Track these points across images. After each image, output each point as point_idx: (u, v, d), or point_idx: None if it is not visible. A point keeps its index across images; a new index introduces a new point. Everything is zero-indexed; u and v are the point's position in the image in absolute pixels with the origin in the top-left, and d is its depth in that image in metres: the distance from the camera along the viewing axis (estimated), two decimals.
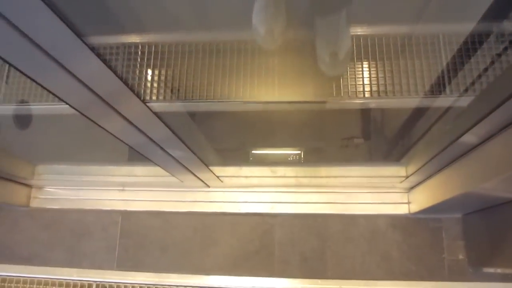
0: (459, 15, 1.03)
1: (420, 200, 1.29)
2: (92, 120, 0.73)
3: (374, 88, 1.10)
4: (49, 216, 1.54)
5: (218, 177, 1.33)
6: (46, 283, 1.47)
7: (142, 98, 0.74)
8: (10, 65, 0.52)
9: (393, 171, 1.34)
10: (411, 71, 1.08)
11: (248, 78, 1.14)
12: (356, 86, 1.11)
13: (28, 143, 1.60)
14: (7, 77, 1.29)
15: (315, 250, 1.38)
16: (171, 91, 1.18)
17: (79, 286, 1.45)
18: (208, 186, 1.44)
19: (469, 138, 0.85)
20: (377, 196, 1.39)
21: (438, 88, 1.07)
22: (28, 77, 0.53)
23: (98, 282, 1.44)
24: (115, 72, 0.57)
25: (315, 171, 1.41)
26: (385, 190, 1.39)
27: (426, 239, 1.34)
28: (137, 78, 1.20)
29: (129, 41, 1.17)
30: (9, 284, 1.48)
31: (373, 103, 1.14)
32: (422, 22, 1.08)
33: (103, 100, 0.66)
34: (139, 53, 1.23)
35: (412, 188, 1.36)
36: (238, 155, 1.53)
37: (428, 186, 1.21)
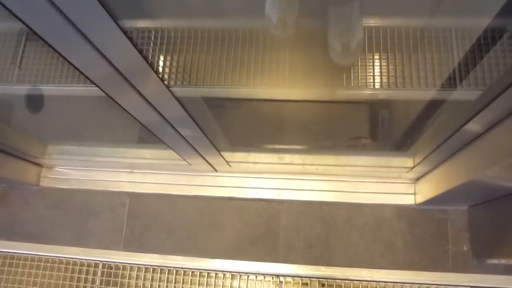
0: (474, 10, 1.04)
1: (426, 190, 1.29)
2: (110, 97, 0.75)
3: (384, 80, 1.11)
4: (58, 196, 1.56)
5: (227, 161, 1.34)
6: (53, 261, 1.49)
7: (162, 80, 0.76)
8: (44, 41, 0.53)
9: (400, 162, 1.35)
10: (422, 64, 1.09)
11: (259, 65, 1.15)
12: (366, 77, 1.12)
13: (40, 123, 1.62)
14: (20, 62, 1.31)
15: (320, 237, 1.39)
16: (186, 76, 1.20)
17: (85, 265, 1.47)
18: (216, 171, 1.46)
19: (474, 126, 0.86)
20: (383, 186, 1.40)
21: (448, 82, 1.08)
22: (59, 53, 0.55)
23: (105, 262, 1.46)
24: (140, 52, 0.59)
25: (322, 159, 1.42)
26: (391, 180, 1.40)
27: (431, 230, 1.35)
28: (159, 61, 1.22)
29: (152, 26, 1.19)
30: (17, 261, 1.51)
31: (382, 94, 1.15)
32: (435, 16, 1.09)
33: (124, 77, 0.67)
34: (159, 38, 1.25)
35: (418, 179, 1.37)
36: (248, 141, 1.54)
37: (434, 176, 1.21)
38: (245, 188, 1.46)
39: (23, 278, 1.49)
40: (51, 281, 1.48)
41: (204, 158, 1.25)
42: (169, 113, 0.87)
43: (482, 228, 1.26)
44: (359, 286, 1.34)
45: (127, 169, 1.54)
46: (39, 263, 1.49)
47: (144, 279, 1.43)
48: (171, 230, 1.47)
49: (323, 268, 1.37)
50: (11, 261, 1.51)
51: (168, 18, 1.24)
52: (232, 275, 1.40)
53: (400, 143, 1.47)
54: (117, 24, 0.51)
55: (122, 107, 0.78)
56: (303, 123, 1.60)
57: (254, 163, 1.42)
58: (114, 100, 0.74)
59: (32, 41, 1.18)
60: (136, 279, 1.44)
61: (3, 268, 1.51)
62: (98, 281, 1.45)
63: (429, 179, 1.27)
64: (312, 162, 1.41)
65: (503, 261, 1.13)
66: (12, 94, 1.37)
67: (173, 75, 1.21)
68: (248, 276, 1.39)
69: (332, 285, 1.35)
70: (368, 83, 1.13)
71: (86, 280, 1.46)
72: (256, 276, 1.39)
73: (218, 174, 1.48)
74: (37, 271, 1.48)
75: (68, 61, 0.57)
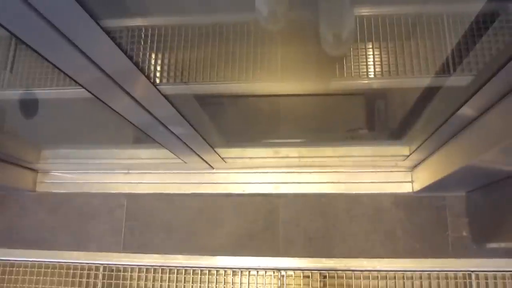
0: None
1: (423, 178, 1.29)
2: (100, 99, 0.74)
3: (378, 69, 1.10)
4: (56, 200, 1.56)
5: (222, 158, 1.34)
6: (54, 267, 1.48)
7: (149, 79, 0.75)
8: (27, 45, 0.52)
9: (396, 150, 1.34)
10: (415, 52, 1.08)
11: (251, 60, 1.14)
12: (359, 67, 1.11)
13: (33, 128, 1.61)
14: (12, 66, 1.30)
15: (319, 230, 1.39)
16: (176, 73, 1.19)
17: (86, 269, 1.47)
18: (212, 168, 1.45)
19: (467, 111, 0.86)
20: (380, 175, 1.40)
21: (441, 68, 1.08)
22: (43, 56, 0.54)
23: (105, 265, 1.46)
24: (125, 52, 0.58)
25: (318, 151, 1.42)
26: (388, 169, 1.40)
27: (429, 217, 1.35)
28: (146, 60, 1.21)
29: (136, 24, 1.17)
30: (17, 269, 1.50)
31: (376, 84, 1.15)
32: (427, 2, 1.07)
33: (112, 79, 0.66)
34: (143, 36, 1.23)
35: (415, 166, 1.37)
36: (242, 136, 1.54)
37: (430, 163, 1.21)
38: (242, 184, 1.46)
39: (24, 285, 1.48)
40: (53, 287, 1.47)
41: (199, 156, 1.25)
42: (159, 112, 0.86)
43: (481, 213, 1.26)
44: (360, 276, 1.34)
45: (123, 170, 1.54)
46: (39, 270, 1.49)
47: (146, 280, 1.43)
48: (170, 229, 1.46)
49: (324, 260, 1.37)
50: (11, 269, 1.50)
51: (154, 15, 1.23)
52: (233, 271, 1.40)
53: (396, 132, 1.47)
54: (99, 25, 0.50)
55: (110, 107, 0.77)
56: (297, 116, 1.59)
57: (250, 158, 1.42)
58: (101, 100, 0.74)
59: (23, 44, 1.17)
60: (138, 280, 1.43)
61: (3, 276, 1.50)
62: (99, 284, 1.45)
63: (426, 166, 1.26)
64: (309, 154, 1.41)
65: (502, 245, 1.14)
66: (3, 99, 1.35)
67: (159, 73, 1.20)
68: (249, 271, 1.39)
69: (334, 277, 1.35)
70: (361, 73, 1.12)
71: (87, 284, 1.46)
72: (257, 271, 1.39)
73: (214, 171, 1.47)
74: (38, 278, 1.48)
75: (52, 64, 0.56)
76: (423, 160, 1.28)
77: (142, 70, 0.65)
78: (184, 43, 1.19)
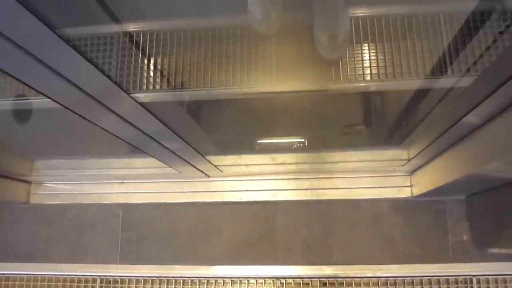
0: None
1: (422, 183, 1.27)
2: (79, 115, 0.71)
3: (374, 71, 1.08)
4: (50, 212, 1.53)
5: (216, 166, 1.31)
6: (50, 280, 1.46)
7: (127, 91, 0.72)
8: None
9: (395, 155, 1.33)
10: (411, 52, 1.06)
11: (245, 64, 1.12)
12: (355, 70, 1.09)
13: (25, 138, 1.58)
14: None
15: (318, 236, 1.37)
16: (163, 80, 1.16)
17: (83, 281, 1.45)
18: (208, 176, 1.43)
19: (471, 119, 0.83)
20: (379, 180, 1.38)
21: (439, 69, 1.05)
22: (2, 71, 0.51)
23: (102, 277, 1.44)
24: (95, 65, 0.55)
25: (316, 157, 1.40)
26: (387, 173, 1.38)
27: (429, 221, 1.34)
28: (125, 70, 1.18)
29: (119, 30, 1.14)
30: (13, 282, 1.48)
31: (373, 86, 1.13)
32: (422, 1, 1.05)
33: (92, 97, 0.64)
34: (127, 42, 1.20)
35: (414, 171, 1.35)
36: (238, 143, 1.51)
37: (431, 168, 1.19)
38: (239, 192, 1.44)
39: None
40: None
41: (193, 165, 1.22)
42: (142, 124, 0.83)
43: (481, 217, 1.24)
44: (360, 283, 1.32)
45: (118, 180, 1.51)
46: (35, 283, 1.46)
47: None
48: (167, 239, 1.44)
49: (323, 267, 1.35)
50: (6, 283, 1.48)
51: (144, 21, 1.20)
52: (232, 280, 1.38)
53: (394, 136, 1.45)
54: (61, 38, 0.47)
55: (89, 121, 0.75)
56: (293, 120, 1.57)
57: (246, 165, 1.40)
58: (83, 117, 0.71)
59: None
60: None
61: None
62: None
63: (426, 171, 1.24)
64: (305, 160, 1.39)
65: (503, 251, 1.12)
66: None
67: (145, 81, 1.18)
68: (248, 280, 1.38)
69: (334, 284, 1.33)
70: (357, 75, 1.11)
71: None
72: (256, 280, 1.37)
73: (210, 179, 1.45)
74: None
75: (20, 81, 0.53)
76: (423, 165, 1.26)
77: (116, 82, 0.62)
78: (166, 48, 1.16)
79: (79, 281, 1.45)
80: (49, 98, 0.60)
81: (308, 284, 1.34)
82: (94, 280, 1.44)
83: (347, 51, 1.10)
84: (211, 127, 1.48)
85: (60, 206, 1.53)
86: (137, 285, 1.42)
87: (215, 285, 1.39)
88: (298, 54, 1.16)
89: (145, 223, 1.47)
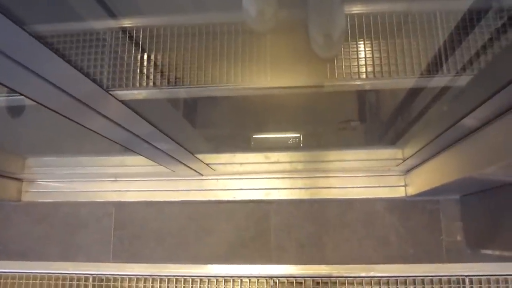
0: None
1: (417, 183, 1.27)
2: (58, 113, 0.69)
3: (370, 69, 1.07)
4: (42, 210, 1.52)
5: (208, 164, 1.30)
6: (42, 278, 1.45)
7: (105, 88, 0.69)
8: None
9: (390, 154, 1.32)
10: (407, 50, 1.05)
11: (239, 61, 1.10)
12: (351, 68, 1.08)
13: (17, 135, 1.56)
14: None
15: (312, 236, 1.37)
16: (155, 78, 1.14)
17: (75, 279, 1.44)
18: (201, 175, 1.42)
19: (468, 122, 0.82)
20: (373, 179, 1.37)
21: (435, 67, 1.04)
22: None
23: (95, 275, 1.43)
24: (69, 62, 0.53)
25: (310, 156, 1.39)
26: (381, 173, 1.37)
27: (423, 221, 1.33)
28: (111, 67, 1.15)
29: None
30: (4, 281, 1.47)
31: (368, 85, 1.11)
32: None
33: (72, 96, 0.62)
34: (112, 39, 1.18)
35: (409, 171, 1.34)
36: (231, 141, 1.50)
37: (426, 169, 1.18)
38: (232, 190, 1.43)
39: None
40: None
41: (185, 164, 1.21)
42: (129, 125, 0.81)
43: (475, 218, 1.24)
44: (353, 283, 1.32)
45: (111, 178, 1.50)
46: (27, 281, 1.45)
47: None
48: (160, 238, 1.43)
49: (317, 266, 1.34)
50: None
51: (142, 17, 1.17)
52: (225, 279, 1.38)
53: (389, 135, 1.44)
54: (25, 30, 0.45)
55: (76, 122, 0.73)
56: (287, 118, 1.55)
57: (240, 163, 1.39)
58: (66, 116, 0.69)
59: None
60: None
61: None
62: None
63: (421, 171, 1.24)
64: (300, 159, 1.38)
65: (497, 252, 1.12)
66: None
67: (138, 79, 1.16)
68: (241, 279, 1.37)
69: (327, 283, 1.33)
70: (352, 73, 1.09)
71: None
72: (249, 279, 1.37)
73: (203, 177, 1.44)
74: None
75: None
76: (418, 165, 1.25)
77: (94, 79, 0.60)
78: (159, 44, 1.15)
79: (71, 279, 1.44)
80: (22, 94, 0.58)
81: (301, 283, 1.34)
82: (86, 279, 1.43)
83: (342, 48, 1.09)
84: (204, 125, 1.46)
85: (52, 204, 1.52)
86: (130, 284, 1.41)
87: (208, 284, 1.38)
88: (292, 52, 1.14)
89: (138, 222, 1.45)
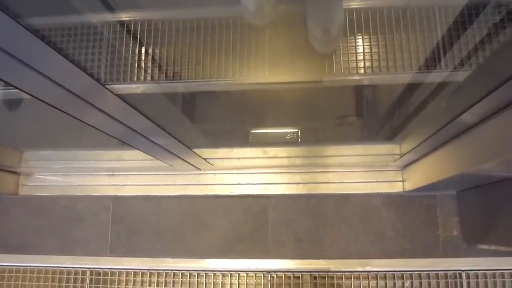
0: None
1: (414, 178, 1.27)
2: (54, 107, 0.68)
3: (368, 64, 1.07)
4: (39, 204, 1.52)
5: (205, 159, 1.30)
6: (39, 272, 1.45)
7: (103, 82, 0.69)
8: None
9: (387, 149, 1.32)
10: (406, 45, 1.04)
11: (237, 55, 1.10)
12: (349, 63, 1.07)
13: (14, 129, 1.55)
14: None
15: (309, 231, 1.37)
16: (153, 72, 1.14)
17: (73, 273, 1.44)
18: (199, 169, 1.42)
19: (466, 118, 0.82)
20: (371, 174, 1.38)
21: (434, 62, 1.04)
22: None
23: (92, 269, 1.43)
24: (65, 56, 0.53)
25: (308, 151, 1.39)
26: (379, 168, 1.37)
27: (420, 216, 1.34)
28: (108, 61, 1.15)
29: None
30: (2, 274, 1.47)
31: (367, 80, 1.11)
32: None
33: (69, 90, 0.61)
34: (110, 32, 1.17)
35: (406, 166, 1.34)
36: (229, 136, 1.50)
37: (423, 164, 1.19)
38: (230, 185, 1.43)
39: None
40: None
41: (182, 159, 1.21)
42: (126, 119, 0.81)
43: (472, 213, 1.24)
44: (351, 277, 1.33)
45: (108, 172, 1.50)
46: (24, 275, 1.45)
47: (134, 284, 1.41)
48: (158, 232, 1.43)
49: (314, 261, 1.35)
50: None
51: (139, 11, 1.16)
52: (222, 274, 1.38)
53: (387, 130, 1.44)
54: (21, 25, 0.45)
55: (73, 116, 0.73)
56: (285, 113, 1.55)
57: (238, 158, 1.39)
58: (63, 111, 0.69)
59: None
60: (126, 284, 1.41)
61: None
62: None
63: (418, 167, 1.24)
64: (297, 154, 1.38)
65: (493, 247, 1.12)
66: None
67: (135, 72, 1.16)
68: (239, 274, 1.37)
69: (324, 278, 1.34)
70: (351, 68, 1.09)
71: None
72: (247, 273, 1.37)
73: (201, 172, 1.44)
74: (24, 283, 1.45)
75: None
76: (416, 160, 1.25)
77: (92, 74, 0.60)
78: (157, 39, 1.14)
79: (68, 273, 1.44)
80: (18, 88, 0.58)
81: (298, 277, 1.35)
82: (84, 272, 1.43)
83: (340, 43, 1.09)
84: (201, 119, 1.46)
85: (50, 197, 1.51)
86: (127, 278, 1.41)
87: (205, 278, 1.38)
88: (291, 46, 1.14)
89: (135, 216, 1.45)
